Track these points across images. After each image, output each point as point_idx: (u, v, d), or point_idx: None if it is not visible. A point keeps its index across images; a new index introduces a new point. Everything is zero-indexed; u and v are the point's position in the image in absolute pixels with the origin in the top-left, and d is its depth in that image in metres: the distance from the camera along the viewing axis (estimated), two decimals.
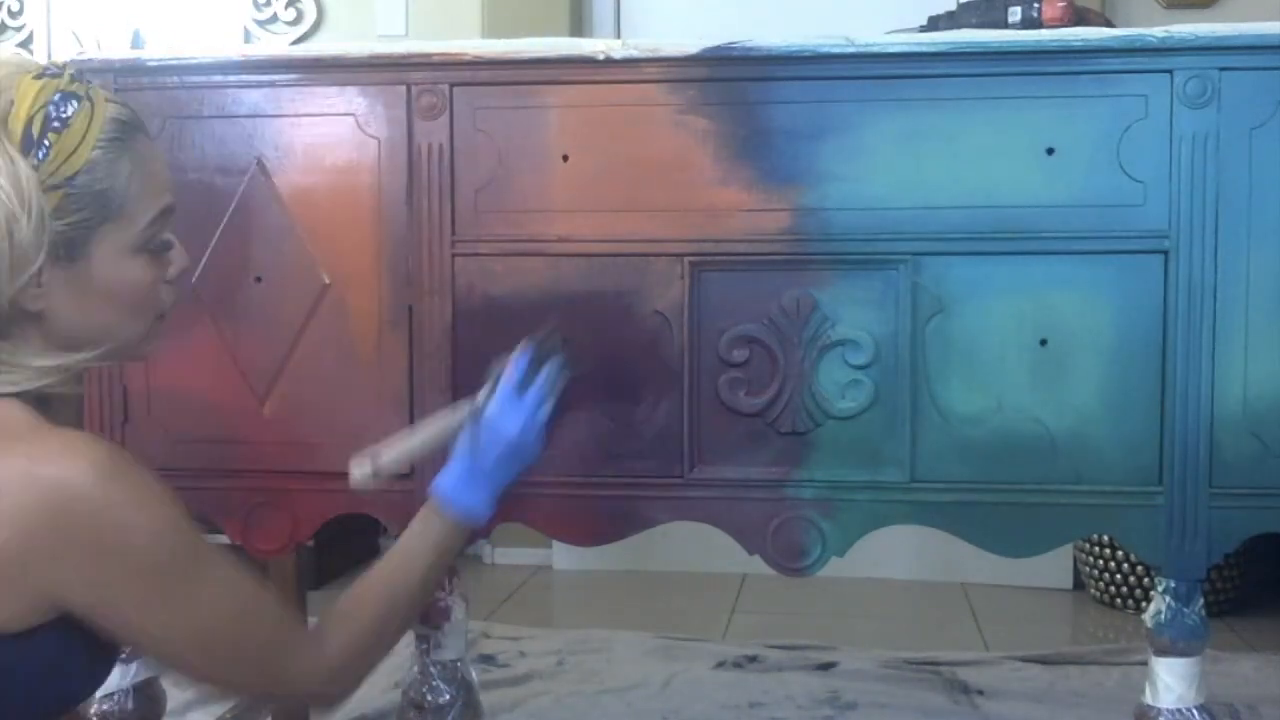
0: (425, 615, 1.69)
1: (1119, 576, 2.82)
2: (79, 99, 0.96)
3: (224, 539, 1.41)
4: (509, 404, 1.21)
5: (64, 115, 0.95)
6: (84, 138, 0.96)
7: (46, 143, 0.94)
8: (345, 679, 1.08)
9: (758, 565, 1.38)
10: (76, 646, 0.94)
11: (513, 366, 1.23)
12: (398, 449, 1.20)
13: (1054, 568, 2.96)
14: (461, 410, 1.22)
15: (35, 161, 0.93)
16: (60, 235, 0.95)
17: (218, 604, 0.96)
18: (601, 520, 1.37)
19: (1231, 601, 2.75)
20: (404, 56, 1.36)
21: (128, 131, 1.00)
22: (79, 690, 0.99)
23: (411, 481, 1.36)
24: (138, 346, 1.06)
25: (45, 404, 0.97)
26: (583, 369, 1.29)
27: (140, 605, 0.93)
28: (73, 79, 0.98)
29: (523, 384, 1.22)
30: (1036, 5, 1.41)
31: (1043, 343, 1.31)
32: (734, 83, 1.33)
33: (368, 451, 1.19)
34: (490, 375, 1.24)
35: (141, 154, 1.00)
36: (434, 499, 1.19)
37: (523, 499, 1.35)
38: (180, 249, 1.06)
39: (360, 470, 1.18)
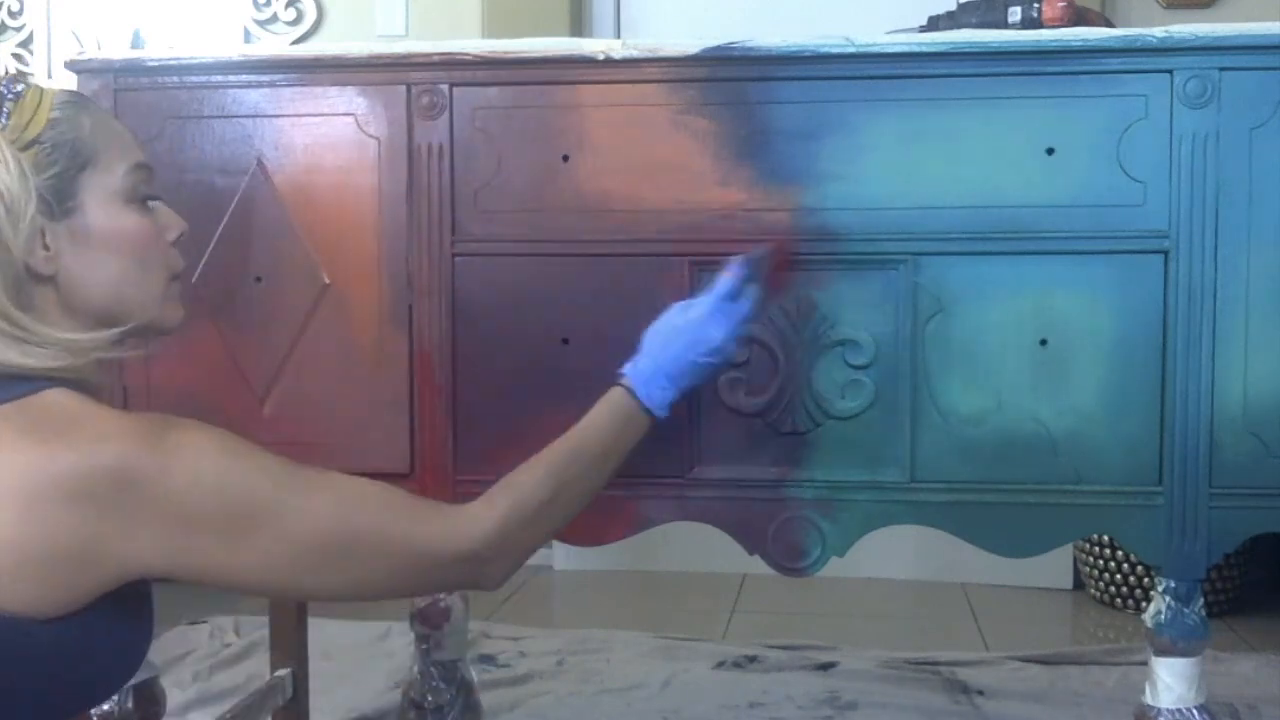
0: (425, 615, 1.69)
1: (1119, 576, 2.82)
2: (26, 84, 1.01)
3: None
4: (719, 312, 1.24)
5: (16, 90, 0.99)
6: (39, 106, 1.00)
7: (5, 110, 0.98)
8: (507, 543, 1.05)
9: (758, 565, 1.38)
10: (113, 633, 0.95)
11: (728, 277, 1.26)
12: None
13: (1054, 568, 2.97)
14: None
15: (1, 123, 0.97)
16: (46, 188, 0.97)
17: (317, 516, 0.96)
18: (601, 520, 1.37)
19: (1231, 601, 2.75)
20: (404, 56, 1.36)
21: (80, 99, 1.04)
22: (106, 680, 0.99)
23: (413, 480, 1.36)
24: (159, 314, 1.06)
25: (85, 390, 0.97)
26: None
27: (235, 554, 0.94)
28: (14, 80, 1.02)
29: (732, 296, 1.25)
30: (1036, 5, 1.41)
31: (1043, 343, 1.31)
32: (734, 83, 1.32)
33: None
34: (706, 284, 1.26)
35: (99, 115, 1.04)
36: (626, 384, 1.20)
37: None
38: (172, 213, 1.09)
39: None
